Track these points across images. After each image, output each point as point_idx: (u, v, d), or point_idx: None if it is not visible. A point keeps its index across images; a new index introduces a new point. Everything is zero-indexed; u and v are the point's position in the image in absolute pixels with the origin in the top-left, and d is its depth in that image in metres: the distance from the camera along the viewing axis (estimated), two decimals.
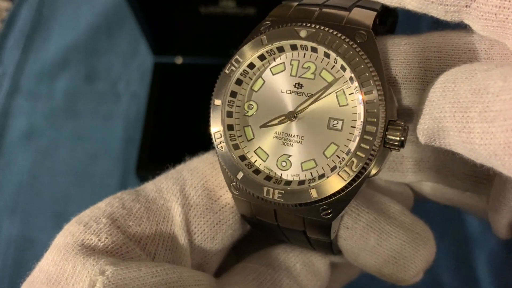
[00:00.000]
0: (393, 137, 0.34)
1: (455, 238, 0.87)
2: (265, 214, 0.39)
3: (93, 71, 1.14)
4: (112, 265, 0.34)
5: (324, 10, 0.38)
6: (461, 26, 0.36)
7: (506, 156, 0.28)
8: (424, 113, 0.33)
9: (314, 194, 0.35)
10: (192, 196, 0.40)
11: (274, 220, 0.40)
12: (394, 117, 0.35)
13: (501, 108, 0.27)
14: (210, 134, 0.39)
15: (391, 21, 0.44)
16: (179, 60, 1.05)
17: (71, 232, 0.37)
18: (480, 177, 0.40)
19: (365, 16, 0.36)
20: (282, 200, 0.36)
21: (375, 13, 0.36)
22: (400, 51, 0.37)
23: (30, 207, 0.98)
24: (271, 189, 0.37)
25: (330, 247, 0.41)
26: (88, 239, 0.37)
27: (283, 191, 0.36)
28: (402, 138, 0.34)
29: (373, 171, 0.35)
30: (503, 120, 0.27)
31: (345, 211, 0.37)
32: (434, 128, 0.32)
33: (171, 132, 1.04)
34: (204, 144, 1.14)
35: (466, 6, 0.33)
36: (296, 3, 0.40)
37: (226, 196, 0.41)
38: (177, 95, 1.07)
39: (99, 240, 0.36)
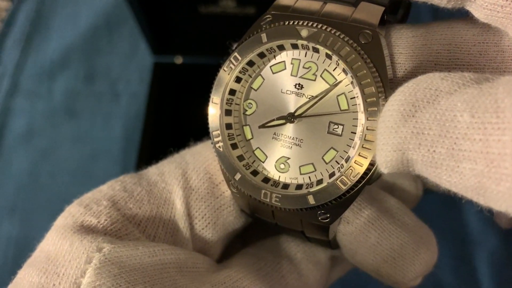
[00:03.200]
0: None
1: (455, 238, 0.86)
2: (263, 213, 0.39)
3: (92, 71, 1.14)
4: (109, 243, 0.34)
5: (329, 5, 0.36)
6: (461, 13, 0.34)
7: (476, 196, 0.26)
8: (384, 142, 0.29)
9: (311, 200, 0.35)
10: (194, 180, 0.40)
11: (272, 219, 0.39)
12: None
13: (470, 149, 0.25)
14: (209, 133, 0.38)
15: (402, 13, 0.41)
16: (179, 60, 1.05)
17: (71, 213, 0.38)
18: None
19: (372, 13, 0.34)
20: (279, 204, 0.36)
21: (382, 8, 0.34)
22: (408, 44, 0.35)
23: (30, 207, 0.98)
24: (269, 193, 0.36)
25: (329, 245, 0.40)
26: (87, 220, 0.37)
27: (280, 195, 0.36)
28: None
29: (374, 177, 0.34)
30: (473, 163, 0.25)
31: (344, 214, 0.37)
32: (398, 160, 0.29)
33: (171, 132, 1.04)
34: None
35: None
36: None
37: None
38: (177, 95, 1.07)
39: (98, 222, 0.37)
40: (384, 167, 0.31)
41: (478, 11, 0.32)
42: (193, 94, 1.09)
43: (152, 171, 0.41)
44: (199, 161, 0.41)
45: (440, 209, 0.86)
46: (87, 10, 1.21)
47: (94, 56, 1.15)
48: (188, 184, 0.40)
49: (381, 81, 0.32)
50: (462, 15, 0.35)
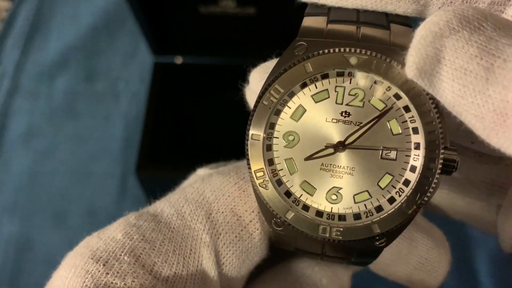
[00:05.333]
0: (450, 164, 0.33)
1: (455, 238, 0.86)
2: (311, 246, 0.37)
3: (92, 71, 1.14)
4: None
5: (364, 28, 0.35)
6: None
7: (491, 130, 0.27)
8: (424, 45, 0.29)
9: (376, 229, 0.34)
10: (221, 223, 0.36)
11: (320, 251, 0.38)
12: (448, 143, 0.34)
13: (506, 76, 0.26)
14: (249, 173, 0.36)
15: None
16: (179, 60, 1.05)
17: (89, 273, 0.32)
18: (496, 185, 0.39)
19: (406, 36, 0.34)
20: (341, 238, 0.34)
21: (412, 29, 0.34)
22: None
23: (30, 207, 0.98)
24: (328, 227, 0.35)
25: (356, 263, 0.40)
26: (111, 282, 0.32)
27: (341, 229, 0.34)
28: (457, 165, 0.33)
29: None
30: (504, 89, 0.26)
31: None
32: (431, 66, 0.30)
33: (170, 132, 1.04)
34: (204, 144, 1.14)
35: None
36: (322, 17, 0.36)
37: (255, 221, 0.38)
38: (177, 95, 1.07)
39: (125, 284, 0.32)
40: (413, 69, 0.30)
41: None
42: (193, 94, 1.09)
43: (169, 212, 0.36)
44: (223, 201, 0.37)
45: None
46: (87, 10, 1.21)
47: (94, 56, 1.16)
48: (215, 228, 0.36)
49: (435, 103, 0.33)
50: None
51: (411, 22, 0.36)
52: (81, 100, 1.10)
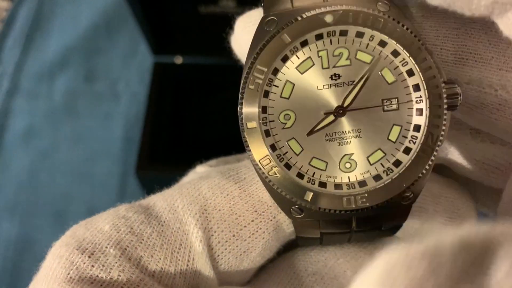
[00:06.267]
0: (454, 98, 0.32)
1: None
2: (338, 226, 0.36)
3: (92, 71, 1.14)
4: None
5: None
6: None
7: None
8: None
9: (401, 184, 0.33)
10: (217, 220, 0.34)
11: (349, 228, 0.36)
12: (445, 77, 0.33)
13: None
14: (254, 165, 0.34)
15: None
16: (178, 60, 1.05)
17: (73, 263, 0.31)
18: (491, 165, 0.38)
19: None
20: (368, 204, 0.33)
21: None
22: (418, 21, 0.34)
23: (30, 207, 0.98)
24: (352, 197, 0.33)
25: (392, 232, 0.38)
26: (96, 275, 0.31)
27: (366, 195, 0.33)
28: (460, 98, 0.32)
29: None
30: None
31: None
32: None
33: (170, 132, 1.04)
34: (204, 143, 1.14)
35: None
36: None
37: (259, 220, 0.36)
38: (176, 95, 1.07)
39: (111, 278, 0.31)
40: None
41: (505, 27, 0.32)
42: (193, 94, 1.09)
43: (161, 205, 0.35)
44: (221, 198, 0.35)
45: None
46: (87, 10, 1.21)
47: (94, 56, 1.15)
48: (209, 224, 0.34)
49: (419, 38, 0.32)
50: None
51: None
52: (81, 100, 1.10)
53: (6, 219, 0.97)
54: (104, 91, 1.12)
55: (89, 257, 0.32)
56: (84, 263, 0.31)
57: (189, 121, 1.08)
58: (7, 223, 0.96)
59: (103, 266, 0.32)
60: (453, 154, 0.40)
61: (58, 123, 1.07)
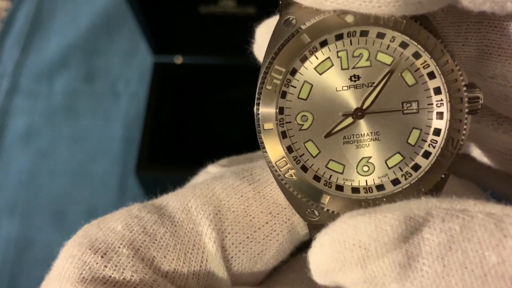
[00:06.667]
0: (475, 102, 0.32)
1: None
2: None
3: (92, 71, 1.14)
4: None
5: None
6: None
7: None
8: None
9: (419, 188, 0.33)
10: (230, 222, 0.34)
11: None
12: (467, 80, 0.32)
13: None
14: (270, 166, 0.34)
15: None
16: (178, 60, 1.05)
17: (86, 263, 0.31)
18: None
19: None
20: None
21: None
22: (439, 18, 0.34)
23: (29, 207, 0.98)
24: (369, 201, 0.33)
25: None
26: (109, 276, 0.31)
27: (384, 198, 0.33)
28: (481, 101, 0.32)
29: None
30: None
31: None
32: None
33: (170, 132, 1.04)
34: (204, 143, 1.14)
35: None
36: None
37: (274, 222, 0.35)
38: (176, 95, 1.07)
39: (124, 278, 0.31)
40: None
41: None
42: (193, 94, 1.09)
43: (174, 205, 0.35)
44: (235, 200, 0.35)
45: None
46: (87, 10, 1.21)
47: (94, 56, 1.15)
48: (223, 226, 0.34)
49: (445, 43, 0.31)
50: None
51: None
52: (81, 100, 1.10)
53: (6, 219, 0.97)
54: (103, 91, 1.12)
55: (102, 257, 0.32)
56: (97, 263, 0.31)
57: (189, 121, 1.08)
58: (7, 223, 0.96)
59: (116, 266, 0.31)
60: (475, 147, 0.39)
61: (57, 123, 1.07)
